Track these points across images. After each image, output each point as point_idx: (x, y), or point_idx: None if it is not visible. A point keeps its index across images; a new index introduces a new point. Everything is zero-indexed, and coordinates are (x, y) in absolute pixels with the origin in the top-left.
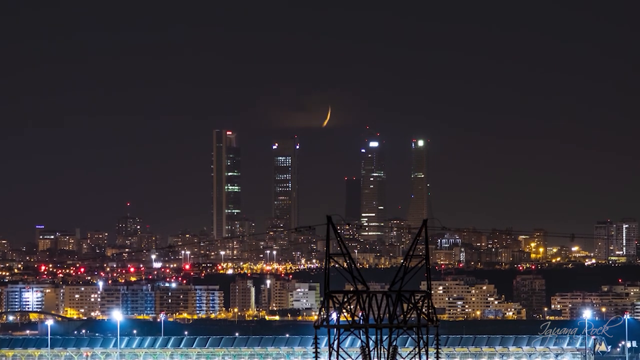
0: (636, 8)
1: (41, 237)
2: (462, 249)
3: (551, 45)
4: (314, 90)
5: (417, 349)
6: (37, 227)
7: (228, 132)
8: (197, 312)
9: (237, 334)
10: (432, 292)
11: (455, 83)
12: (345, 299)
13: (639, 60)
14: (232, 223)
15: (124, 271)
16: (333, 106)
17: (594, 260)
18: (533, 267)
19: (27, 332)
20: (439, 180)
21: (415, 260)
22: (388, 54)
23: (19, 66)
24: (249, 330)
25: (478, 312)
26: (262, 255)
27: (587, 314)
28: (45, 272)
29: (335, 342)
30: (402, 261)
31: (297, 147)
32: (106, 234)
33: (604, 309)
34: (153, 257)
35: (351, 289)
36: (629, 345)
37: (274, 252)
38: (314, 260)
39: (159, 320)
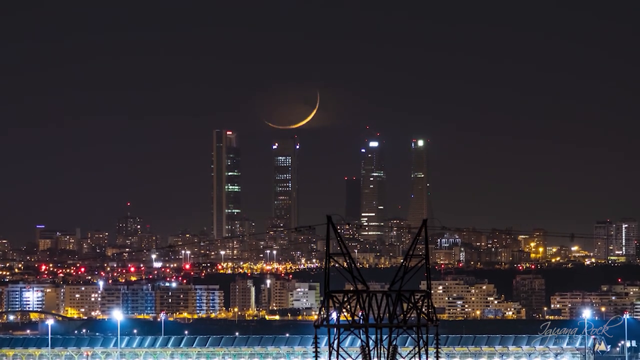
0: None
1: (42, 237)
2: (462, 249)
3: (551, 45)
4: (314, 90)
5: (417, 349)
6: (37, 227)
7: (228, 132)
8: (197, 311)
9: (237, 334)
10: (432, 291)
11: (455, 83)
12: (345, 299)
13: (639, 59)
14: (232, 223)
15: (124, 271)
16: (333, 106)
17: (593, 260)
18: (533, 266)
19: (28, 331)
20: (439, 180)
21: (415, 260)
22: (388, 53)
23: (19, 66)
24: (249, 330)
25: (478, 312)
26: (262, 255)
27: (586, 313)
28: (46, 272)
29: (335, 342)
30: (402, 261)
31: (297, 147)
32: (106, 233)
33: (603, 309)
34: (153, 256)
35: (351, 289)
36: (628, 344)
37: (274, 252)
38: (314, 260)
39: (159, 319)
